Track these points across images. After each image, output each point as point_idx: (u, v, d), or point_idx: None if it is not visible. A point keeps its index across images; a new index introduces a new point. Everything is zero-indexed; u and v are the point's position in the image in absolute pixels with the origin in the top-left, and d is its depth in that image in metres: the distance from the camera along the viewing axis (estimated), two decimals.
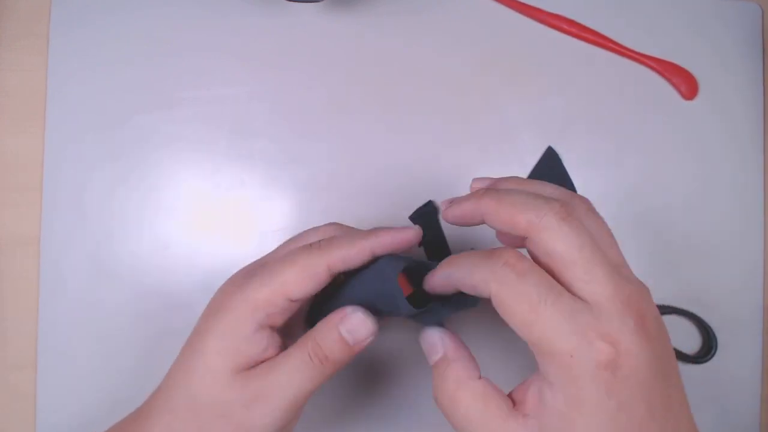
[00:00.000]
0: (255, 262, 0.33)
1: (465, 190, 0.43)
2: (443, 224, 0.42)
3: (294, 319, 0.31)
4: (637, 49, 0.45)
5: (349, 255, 0.28)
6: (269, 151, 0.42)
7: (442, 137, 0.43)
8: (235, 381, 0.28)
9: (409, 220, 0.42)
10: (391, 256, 0.29)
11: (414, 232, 0.30)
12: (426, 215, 0.42)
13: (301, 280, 0.28)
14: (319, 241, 0.30)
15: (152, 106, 0.42)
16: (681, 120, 0.45)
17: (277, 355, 0.29)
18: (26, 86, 0.41)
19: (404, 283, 0.29)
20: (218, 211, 0.42)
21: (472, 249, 0.31)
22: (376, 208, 0.42)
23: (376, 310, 0.29)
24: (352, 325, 0.28)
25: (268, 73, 0.43)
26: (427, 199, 0.43)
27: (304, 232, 0.33)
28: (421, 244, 0.42)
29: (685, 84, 0.45)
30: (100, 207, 0.41)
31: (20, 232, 0.40)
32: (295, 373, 0.27)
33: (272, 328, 0.29)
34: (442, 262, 0.28)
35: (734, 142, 0.45)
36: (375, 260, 0.29)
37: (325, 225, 0.33)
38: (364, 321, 0.28)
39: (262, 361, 0.28)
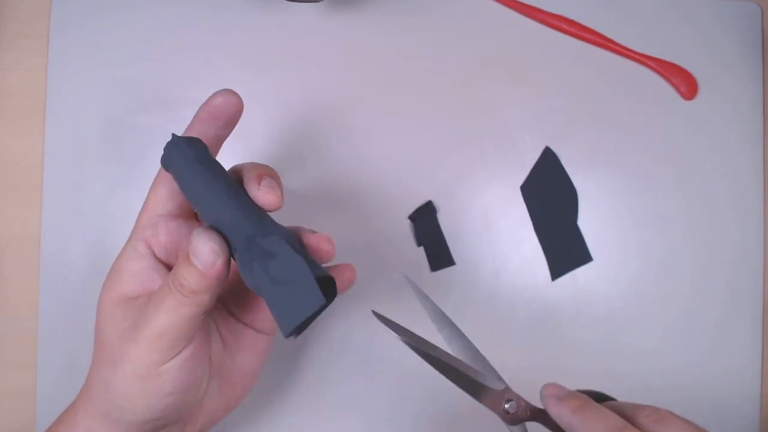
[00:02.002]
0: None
1: (465, 190, 0.43)
2: (443, 224, 0.42)
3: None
4: (637, 49, 0.45)
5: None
6: (269, 152, 0.42)
7: (442, 137, 0.43)
8: (118, 312, 0.28)
9: (409, 220, 0.42)
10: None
11: (230, 94, 0.31)
12: (426, 215, 0.42)
13: (156, 192, 0.29)
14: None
15: (152, 106, 0.42)
16: (681, 120, 0.45)
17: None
18: (26, 86, 0.41)
19: None
20: None
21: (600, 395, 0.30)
22: (376, 208, 0.42)
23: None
24: (196, 249, 0.26)
25: (267, 73, 0.43)
26: (427, 199, 0.43)
27: None
28: (420, 243, 0.42)
29: (685, 84, 0.45)
30: (100, 207, 0.41)
31: (20, 232, 0.40)
32: (159, 303, 0.26)
33: (156, 258, 0.29)
34: (562, 398, 0.28)
35: (734, 141, 0.45)
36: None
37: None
38: (203, 240, 0.26)
39: (145, 293, 0.29)
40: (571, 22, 0.44)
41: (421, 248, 0.42)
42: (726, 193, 0.45)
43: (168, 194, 0.29)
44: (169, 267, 0.30)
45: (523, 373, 0.42)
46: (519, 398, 0.29)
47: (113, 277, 0.29)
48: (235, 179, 0.29)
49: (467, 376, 0.29)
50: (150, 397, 0.27)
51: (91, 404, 0.29)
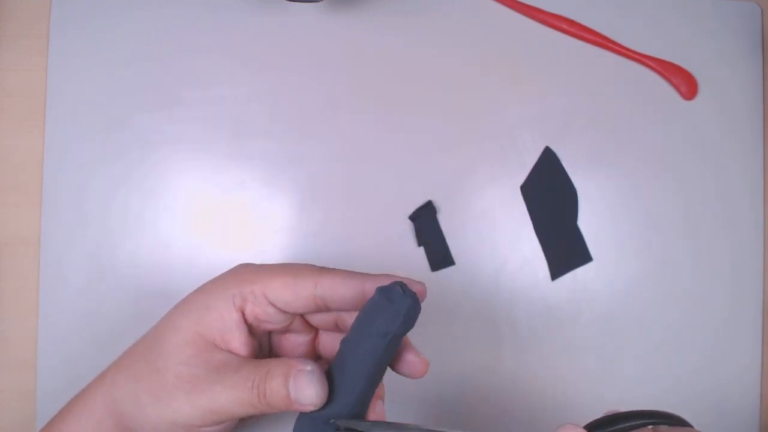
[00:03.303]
0: (244, 264, 0.32)
1: (465, 190, 0.43)
2: (443, 224, 0.42)
3: (289, 344, 0.32)
4: (637, 49, 0.45)
5: (340, 285, 0.28)
6: (269, 152, 0.42)
7: (442, 137, 0.43)
8: (186, 347, 0.28)
9: (409, 220, 0.42)
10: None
11: (420, 288, 0.29)
12: (426, 215, 0.42)
13: (284, 286, 0.28)
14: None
15: (152, 107, 0.42)
16: (681, 120, 0.45)
17: (241, 349, 0.29)
18: (26, 86, 0.41)
19: None
20: (218, 211, 0.42)
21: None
22: (375, 207, 0.42)
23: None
24: (299, 383, 0.26)
25: (268, 73, 0.43)
26: (427, 199, 0.43)
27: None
28: (420, 243, 0.42)
29: (685, 84, 0.45)
30: (100, 207, 0.41)
31: (20, 232, 0.40)
32: (232, 388, 0.27)
33: (245, 318, 0.29)
34: None
35: (734, 141, 0.45)
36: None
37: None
38: (315, 389, 0.26)
39: (222, 343, 0.28)
40: (571, 22, 0.44)
41: (421, 248, 0.42)
42: (726, 193, 0.45)
43: (292, 296, 0.28)
44: (249, 326, 0.29)
45: (523, 373, 0.42)
46: None
47: (198, 312, 0.29)
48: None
49: None
50: None
51: (113, 400, 0.29)
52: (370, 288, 0.28)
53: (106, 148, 0.41)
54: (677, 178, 0.44)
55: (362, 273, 0.29)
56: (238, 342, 0.29)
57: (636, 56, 0.44)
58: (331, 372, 0.28)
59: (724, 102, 0.45)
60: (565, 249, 0.43)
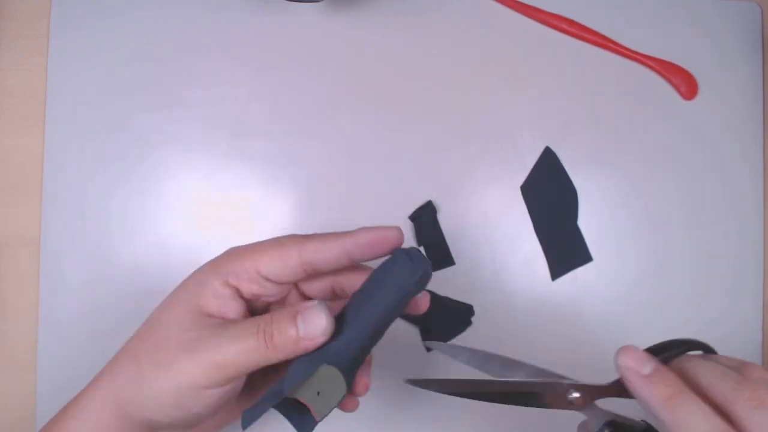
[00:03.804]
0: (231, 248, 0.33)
1: (465, 190, 0.43)
2: (443, 224, 0.42)
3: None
4: (637, 49, 0.45)
5: (322, 247, 0.28)
6: (269, 151, 0.42)
7: (442, 137, 0.43)
8: (187, 317, 0.28)
9: (409, 220, 0.42)
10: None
11: (395, 232, 0.29)
12: (426, 215, 0.42)
13: (272, 258, 0.29)
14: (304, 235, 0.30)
15: (152, 107, 0.42)
16: (681, 120, 0.45)
17: (236, 317, 0.29)
18: (26, 86, 0.41)
19: None
20: (218, 210, 0.42)
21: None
22: (375, 207, 0.42)
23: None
24: (307, 316, 0.27)
25: (268, 73, 0.43)
26: (427, 199, 0.43)
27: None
28: (420, 243, 0.42)
29: (685, 84, 0.45)
30: (100, 207, 0.41)
31: (20, 232, 0.40)
32: (236, 337, 0.27)
33: (239, 293, 0.29)
34: (661, 387, 0.25)
35: (734, 141, 0.45)
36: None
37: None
38: (321, 314, 0.27)
39: (218, 314, 0.29)
40: (571, 22, 0.44)
41: (422, 248, 0.42)
42: (726, 193, 0.45)
43: (281, 266, 0.29)
44: (247, 302, 0.30)
45: None
46: (582, 387, 0.27)
47: (194, 287, 0.29)
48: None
49: (525, 393, 0.27)
50: (179, 409, 0.27)
51: (113, 390, 0.29)
52: (350, 245, 0.28)
53: (106, 148, 0.41)
54: (677, 178, 0.44)
55: (340, 233, 0.29)
56: (235, 314, 0.29)
57: (636, 56, 0.44)
58: (338, 319, 0.28)
59: (724, 102, 0.45)
60: (565, 249, 0.43)
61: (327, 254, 0.29)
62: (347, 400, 0.30)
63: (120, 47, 0.42)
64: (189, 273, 0.40)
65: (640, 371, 0.25)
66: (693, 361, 0.27)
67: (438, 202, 0.43)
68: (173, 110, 0.42)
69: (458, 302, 0.42)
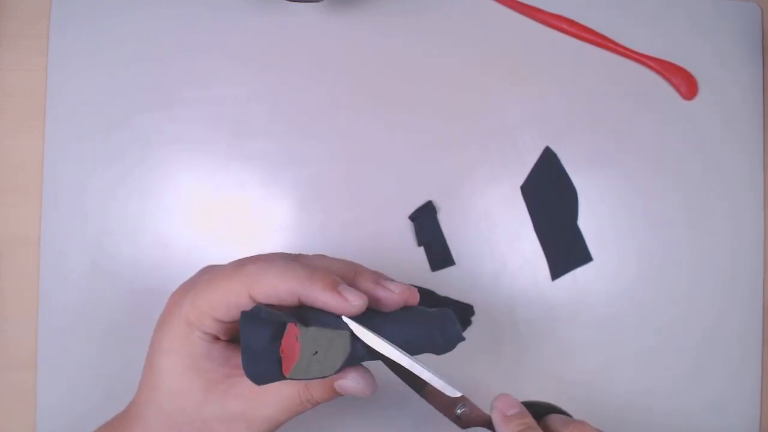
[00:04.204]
0: (209, 268, 0.31)
1: (464, 190, 0.43)
2: (443, 224, 0.42)
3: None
4: (637, 49, 0.45)
5: (274, 293, 0.26)
6: (269, 151, 0.42)
7: (442, 137, 0.43)
8: (210, 398, 0.28)
9: (409, 220, 0.42)
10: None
11: (350, 306, 0.26)
12: (426, 215, 0.42)
13: (221, 305, 0.27)
14: (250, 265, 0.27)
15: (152, 107, 0.42)
16: (681, 120, 0.45)
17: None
18: (26, 86, 0.41)
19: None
20: (218, 211, 0.42)
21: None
22: (375, 207, 0.42)
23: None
24: (347, 386, 0.28)
25: (268, 73, 0.43)
26: (427, 199, 0.43)
27: (295, 255, 0.32)
28: (420, 243, 0.42)
29: (685, 84, 0.45)
30: (100, 207, 0.41)
31: (20, 232, 0.40)
32: (282, 408, 0.28)
33: (222, 341, 0.29)
34: (509, 417, 0.29)
35: (734, 141, 0.45)
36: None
37: (313, 255, 0.31)
38: (362, 389, 0.28)
39: (231, 371, 0.29)
40: (571, 22, 0.44)
41: (421, 248, 0.42)
42: (725, 193, 0.45)
43: (235, 308, 0.27)
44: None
45: (523, 373, 0.42)
46: (473, 406, 0.29)
47: (188, 370, 0.28)
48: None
49: (425, 383, 0.28)
50: None
51: None
52: (305, 297, 0.26)
53: (106, 148, 0.41)
54: (677, 178, 0.44)
55: (294, 274, 0.26)
56: (237, 360, 0.29)
57: (636, 56, 0.44)
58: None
59: (724, 102, 0.45)
60: (565, 249, 0.43)
61: (281, 299, 0.27)
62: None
63: (120, 47, 0.42)
64: (189, 273, 0.40)
65: (505, 412, 0.29)
66: (558, 421, 0.30)
67: (438, 202, 0.43)
68: (173, 110, 0.42)
69: (458, 302, 0.42)
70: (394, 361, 0.27)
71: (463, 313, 0.42)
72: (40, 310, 0.40)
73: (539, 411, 0.31)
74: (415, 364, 0.28)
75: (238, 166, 0.42)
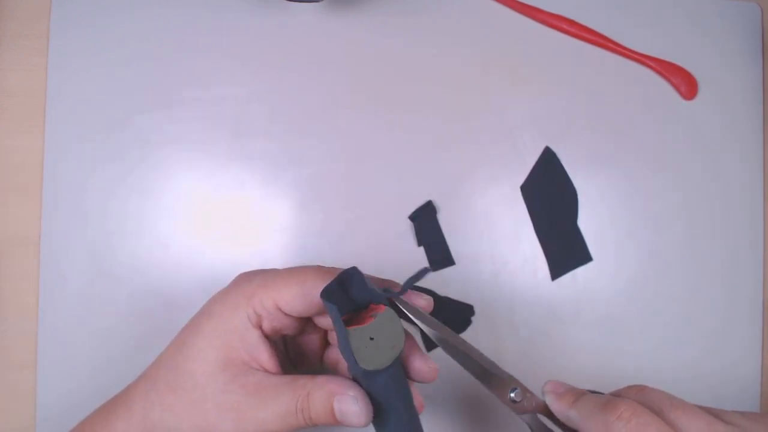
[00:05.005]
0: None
1: (464, 190, 0.43)
2: (443, 224, 0.42)
3: (305, 343, 0.33)
4: (637, 49, 0.45)
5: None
6: (269, 151, 0.42)
7: (442, 137, 0.43)
8: (220, 376, 0.28)
9: (409, 220, 0.42)
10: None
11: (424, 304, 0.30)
12: (426, 215, 0.42)
13: (295, 296, 0.28)
14: (336, 269, 0.29)
15: (152, 107, 0.42)
16: (681, 120, 0.45)
17: (270, 362, 0.29)
18: (26, 86, 0.41)
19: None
20: (218, 211, 0.42)
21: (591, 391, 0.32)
22: (375, 207, 0.42)
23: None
24: (345, 408, 0.27)
25: (268, 73, 0.43)
26: (427, 199, 0.43)
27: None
28: (420, 243, 0.42)
29: (685, 84, 0.45)
30: (100, 207, 0.41)
31: (20, 232, 0.40)
32: (276, 413, 0.27)
33: (263, 332, 0.29)
34: (561, 393, 0.31)
35: (734, 141, 0.45)
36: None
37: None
38: (357, 413, 0.27)
39: (251, 362, 0.29)
40: (571, 22, 0.44)
41: (421, 248, 0.42)
42: (725, 193, 0.45)
43: (303, 304, 0.28)
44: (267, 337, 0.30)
45: (523, 373, 0.42)
46: (524, 389, 0.31)
47: (223, 337, 0.29)
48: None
49: (478, 363, 0.30)
50: None
51: (140, 425, 0.29)
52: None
53: (106, 148, 0.41)
54: (677, 178, 0.44)
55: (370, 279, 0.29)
56: (266, 357, 0.29)
57: (636, 56, 0.44)
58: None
59: (724, 102, 0.45)
60: (565, 249, 0.43)
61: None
62: None
63: (120, 47, 0.42)
64: (189, 273, 0.40)
65: (557, 391, 0.31)
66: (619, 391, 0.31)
67: (438, 202, 0.43)
68: (173, 110, 0.42)
69: (458, 302, 0.42)
70: (451, 344, 0.29)
71: (463, 313, 0.42)
72: (40, 310, 0.40)
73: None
74: (471, 345, 0.30)
75: (238, 166, 0.42)
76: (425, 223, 0.42)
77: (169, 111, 0.42)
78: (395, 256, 0.42)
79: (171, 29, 0.42)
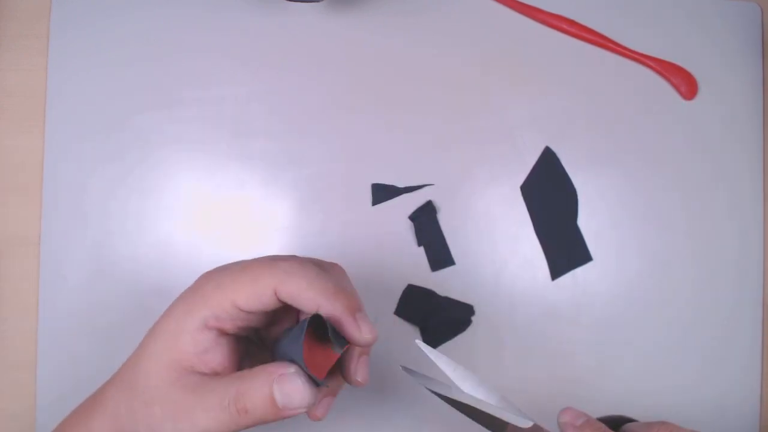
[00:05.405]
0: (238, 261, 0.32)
1: (465, 190, 0.43)
2: (443, 224, 0.42)
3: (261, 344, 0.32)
4: (637, 49, 0.45)
5: (297, 293, 0.27)
6: (269, 151, 0.42)
7: (442, 137, 0.43)
8: (167, 377, 0.27)
9: (409, 220, 0.42)
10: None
11: (363, 338, 0.27)
12: (426, 215, 0.42)
13: (249, 292, 0.27)
14: (283, 261, 0.28)
15: (152, 107, 0.42)
16: (681, 120, 0.45)
17: (224, 362, 0.28)
18: (26, 86, 0.41)
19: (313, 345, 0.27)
20: (218, 210, 0.42)
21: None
22: (375, 207, 0.42)
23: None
24: (289, 389, 0.26)
25: (268, 73, 0.43)
26: (427, 199, 0.43)
27: (311, 258, 0.32)
28: (420, 243, 0.42)
29: (685, 84, 0.45)
30: (100, 207, 0.41)
31: (20, 232, 0.40)
32: (206, 410, 0.26)
33: (222, 333, 0.28)
34: (579, 426, 0.30)
35: (734, 141, 0.45)
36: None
37: (339, 273, 0.31)
38: (303, 389, 0.26)
39: (199, 364, 0.28)
40: (571, 22, 0.44)
41: (421, 248, 0.42)
42: (725, 193, 0.45)
43: (258, 303, 0.28)
44: (234, 335, 0.29)
45: (523, 373, 0.42)
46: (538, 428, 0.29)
47: (173, 339, 0.28)
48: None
49: (494, 417, 0.29)
50: None
51: (112, 423, 0.29)
52: (324, 311, 0.27)
53: (106, 148, 0.41)
54: (677, 178, 0.44)
55: (323, 284, 0.27)
56: (220, 358, 0.28)
57: (636, 56, 0.44)
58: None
59: (724, 102, 0.45)
60: (565, 249, 0.43)
61: (301, 304, 0.27)
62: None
63: (120, 47, 0.42)
64: (189, 273, 0.40)
65: (574, 423, 0.30)
66: (639, 427, 0.31)
67: (438, 202, 0.43)
68: (173, 110, 0.42)
69: (458, 302, 0.42)
70: (459, 401, 0.28)
71: (463, 313, 0.42)
72: (40, 309, 0.40)
73: (614, 423, 0.31)
74: (483, 398, 0.29)
75: (238, 166, 0.42)
76: (425, 223, 0.42)
77: (169, 111, 0.42)
78: (395, 256, 0.42)
79: (171, 29, 0.42)
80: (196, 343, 0.28)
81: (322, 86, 0.43)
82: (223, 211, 0.42)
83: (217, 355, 0.28)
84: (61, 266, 0.40)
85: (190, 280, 0.41)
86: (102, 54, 0.42)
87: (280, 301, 0.28)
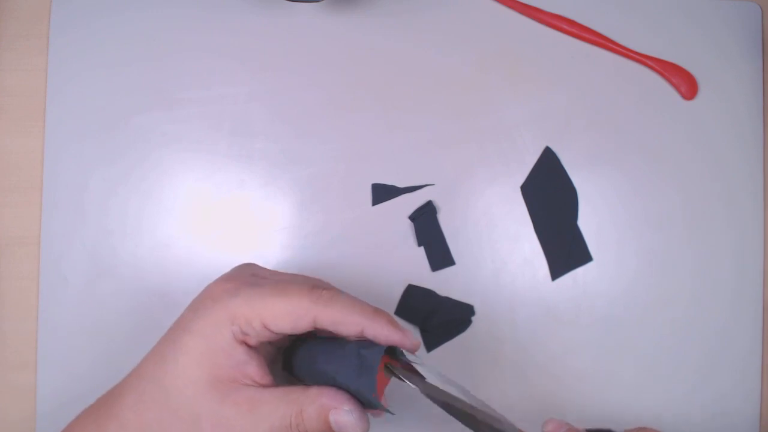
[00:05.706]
0: (254, 268, 0.33)
1: (465, 190, 0.43)
2: (443, 224, 0.42)
3: (276, 351, 0.33)
4: (637, 49, 0.45)
5: (341, 319, 0.28)
6: (269, 151, 0.42)
7: (441, 137, 0.43)
8: (210, 394, 0.28)
9: (409, 220, 0.42)
10: (372, 346, 0.29)
11: (412, 343, 0.29)
12: (426, 215, 0.42)
13: (284, 315, 0.28)
14: (323, 290, 0.29)
15: (152, 107, 0.42)
16: (681, 120, 0.45)
17: (259, 373, 0.29)
18: (26, 86, 0.41)
19: (381, 377, 0.28)
20: (218, 211, 0.42)
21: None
22: (375, 207, 0.42)
23: (347, 387, 0.29)
24: (344, 423, 0.28)
25: (267, 73, 0.43)
26: (427, 199, 0.43)
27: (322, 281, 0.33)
28: (420, 243, 0.42)
29: (685, 84, 0.45)
30: (100, 207, 0.41)
31: (20, 232, 0.40)
32: (272, 429, 0.27)
33: (248, 345, 0.29)
34: None
35: (734, 142, 0.45)
36: (358, 342, 0.29)
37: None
38: (354, 424, 0.28)
39: (241, 377, 0.28)
40: (571, 22, 0.44)
41: (421, 248, 0.42)
42: (726, 193, 0.45)
43: (291, 325, 0.28)
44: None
45: (523, 373, 0.42)
46: None
47: (209, 357, 0.28)
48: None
49: (486, 424, 0.29)
50: None
51: None
52: (369, 332, 0.28)
53: (105, 148, 0.41)
54: (677, 178, 0.44)
55: (361, 307, 0.29)
56: (256, 369, 0.29)
57: (636, 56, 0.44)
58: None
59: (724, 102, 0.45)
60: (565, 249, 0.43)
61: (343, 329, 0.28)
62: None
63: (120, 47, 0.42)
64: (189, 273, 0.40)
65: None
66: None
67: (438, 202, 0.43)
68: (173, 110, 0.42)
69: (458, 302, 0.42)
70: (450, 403, 0.28)
71: (463, 313, 0.42)
72: (40, 310, 0.40)
73: None
74: (473, 405, 0.29)
75: (238, 166, 0.42)
76: (425, 223, 0.42)
77: (169, 111, 0.42)
78: (395, 256, 0.42)
79: (171, 29, 0.42)
80: (231, 357, 0.28)
81: (322, 86, 0.43)
82: (223, 211, 0.42)
83: (253, 366, 0.29)
84: (61, 266, 0.40)
85: (190, 280, 0.41)
86: (102, 54, 0.42)
87: (313, 326, 0.28)
